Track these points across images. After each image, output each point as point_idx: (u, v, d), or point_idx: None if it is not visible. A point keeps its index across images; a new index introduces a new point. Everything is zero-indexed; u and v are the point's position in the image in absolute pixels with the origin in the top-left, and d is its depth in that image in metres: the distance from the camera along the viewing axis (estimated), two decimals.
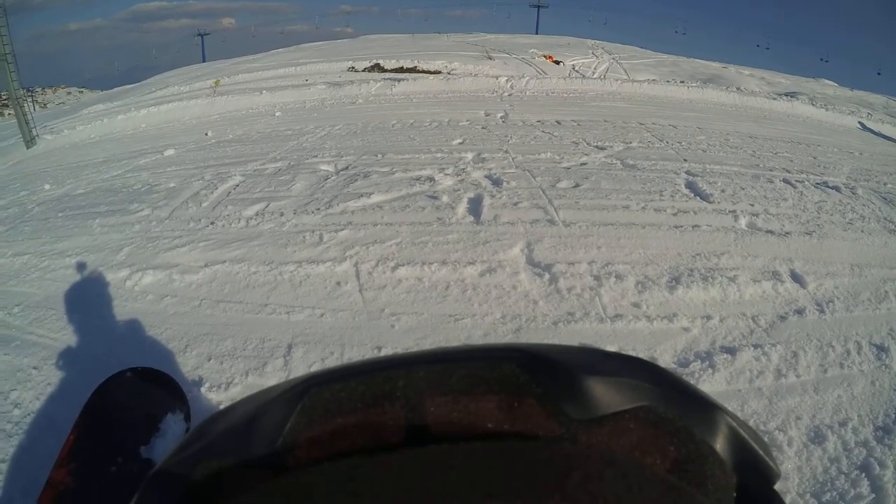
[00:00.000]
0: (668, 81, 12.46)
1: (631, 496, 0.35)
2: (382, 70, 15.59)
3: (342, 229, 3.41)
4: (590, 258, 2.98)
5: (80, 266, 4.05)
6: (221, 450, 0.43)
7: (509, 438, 0.39)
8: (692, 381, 0.48)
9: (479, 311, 2.63)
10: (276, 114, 7.39)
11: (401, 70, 15.35)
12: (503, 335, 2.43)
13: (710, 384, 2.12)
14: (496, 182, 4.09)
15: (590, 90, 11.09)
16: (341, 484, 0.37)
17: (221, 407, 0.55)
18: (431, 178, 4.14)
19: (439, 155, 4.96)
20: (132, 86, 16.36)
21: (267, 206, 3.90)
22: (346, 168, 4.68)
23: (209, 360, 2.61)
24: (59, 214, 5.66)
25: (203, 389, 2.44)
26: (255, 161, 5.17)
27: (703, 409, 0.43)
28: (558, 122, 7.05)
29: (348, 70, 15.20)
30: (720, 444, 0.41)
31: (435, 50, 18.21)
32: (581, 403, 0.40)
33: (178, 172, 5.62)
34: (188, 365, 2.62)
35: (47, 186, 7.28)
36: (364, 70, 15.62)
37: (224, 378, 2.47)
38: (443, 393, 0.42)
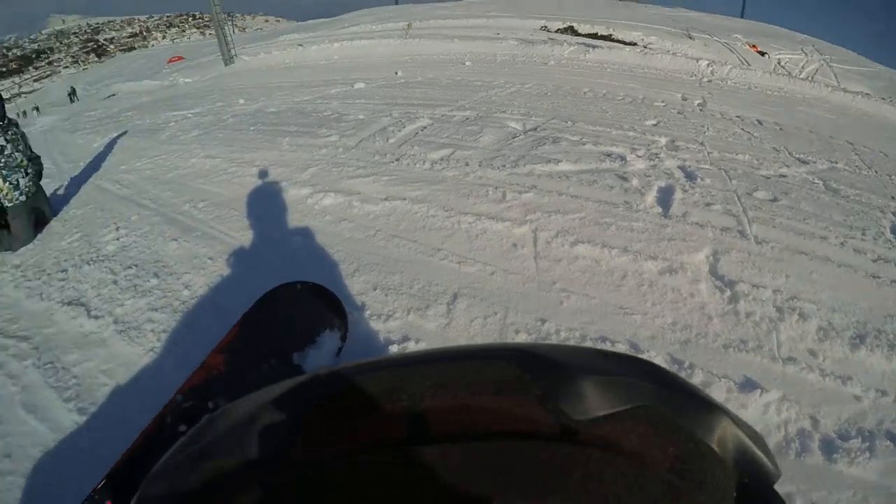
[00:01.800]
0: (883, 99, 10.93)
1: (631, 495, 0.35)
2: (576, 33, 15.03)
3: (526, 192, 3.29)
4: (776, 286, 2.65)
5: (266, 177, 4.28)
6: (222, 449, 0.44)
7: (510, 438, 0.39)
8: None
9: (650, 311, 2.43)
10: (466, 63, 7.36)
11: (595, 36, 14.70)
12: (670, 343, 2.22)
13: (862, 467, 1.78)
14: (690, 176, 3.78)
15: (796, 91, 10.02)
16: (342, 483, 0.37)
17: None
18: (623, 158, 3.91)
19: (631, 133, 4.68)
20: (325, 20, 17.16)
21: (452, 154, 3.87)
22: (535, 129, 4.54)
23: (374, 289, 2.65)
24: (251, 128, 6.06)
25: (365, 314, 2.48)
26: (443, 107, 5.17)
27: (703, 408, 0.43)
28: (759, 122, 6.42)
29: (541, 29, 14.85)
30: (720, 444, 0.41)
31: (631, 20, 17.29)
32: (581, 403, 0.40)
33: (367, 106, 5.79)
34: (354, 289, 2.67)
35: (241, 101, 7.83)
36: (557, 31, 15.18)
37: (385, 310, 2.49)
38: (444, 393, 0.42)
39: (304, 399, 0.44)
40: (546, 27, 15.89)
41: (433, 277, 2.65)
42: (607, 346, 2.21)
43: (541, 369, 0.44)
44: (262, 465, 0.41)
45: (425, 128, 4.57)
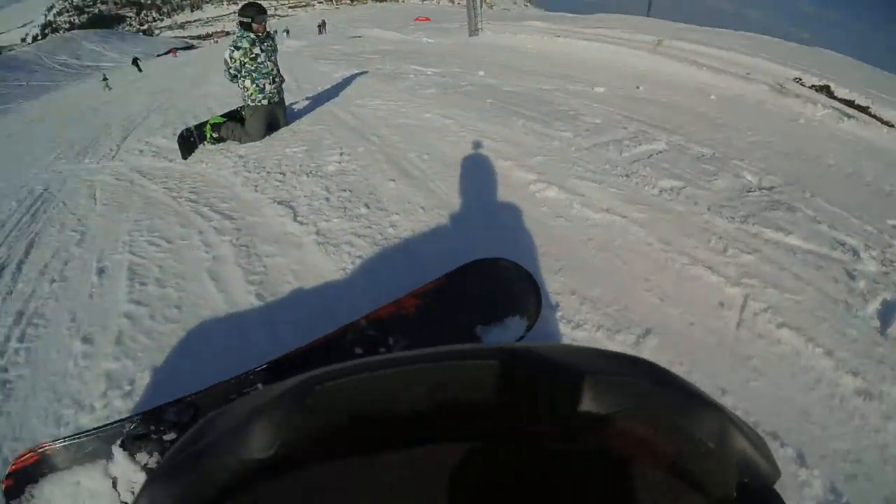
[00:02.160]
0: None
1: (631, 495, 0.36)
2: (831, 95, 13.29)
3: (748, 253, 3.14)
4: None
5: (495, 152, 4.46)
6: (222, 449, 0.44)
7: (510, 438, 0.40)
8: None
9: (831, 429, 2.23)
10: (711, 97, 7.08)
11: (851, 104, 12.76)
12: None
13: None
14: None
15: None
16: (341, 482, 0.37)
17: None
18: (855, 252, 3.55)
19: (869, 228, 4.14)
20: (573, 15, 17.06)
21: (684, 188, 3.80)
22: (771, 189, 4.20)
23: (572, 293, 2.70)
24: (488, 101, 6.33)
25: (556, 315, 2.55)
26: (680, 136, 5.01)
27: (703, 408, 0.43)
28: None
29: (794, 80, 13.51)
30: (720, 444, 0.41)
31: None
32: (581, 403, 0.40)
33: (604, 112, 5.80)
34: (551, 287, 2.73)
35: (481, 73, 8.16)
36: (811, 87, 13.62)
37: (577, 318, 2.54)
38: (442, 393, 0.42)
39: (305, 398, 0.44)
40: (800, 79, 14.40)
41: (632, 304, 2.65)
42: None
43: (541, 369, 0.44)
44: (262, 464, 0.42)
45: (661, 152, 4.50)
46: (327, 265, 3.04)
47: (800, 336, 2.60)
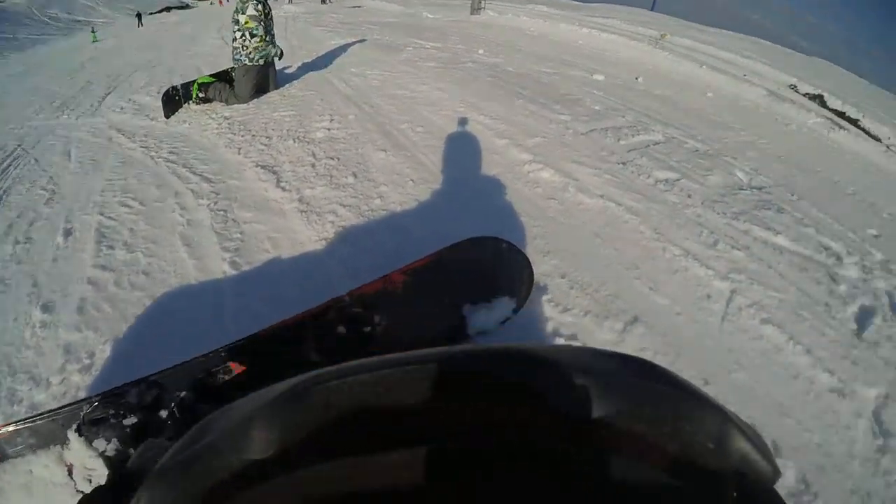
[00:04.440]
0: None
1: (631, 495, 0.36)
2: (824, 105, 13.60)
3: (738, 249, 3.19)
4: None
5: (491, 129, 4.44)
6: (222, 449, 0.43)
7: (509, 438, 0.39)
8: None
9: (805, 423, 2.29)
10: (708, 94, 7.09)
11: (842, 115, 13.14)
12: (810, 463, 2.12)
13: None
14: None
15: None
16: (340, 482, 0.37)
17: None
18: (838, 257, 3.63)
19: (851, 236, 4.28)
20: (579, 3, 16.98)
21: (678, 180, 3.81)
22: (761, 188, 4.25)
23: (562, 277, 2.69)
24: (487, 79, 6.28)
25: (543, 298, 2.53)
26: (676, 129, 5.01)
27: (704, 409, 0.44)
28: None
29: (789, 86, 13.70)
30: (720, 444, 0.41)
31: (887, 112, 15.62)
32: (581, 403, 0.40)
33: (602, 99, 5.78)
34: (539, 269, 2.68)
35: (481, 51, 8.12)
36: (805, 94, 13.83)
37: (565, 302, 2.53)
38: (442, 393, 0.41)
39: (304, 398, 0.44)
40: (795, 87, 14.58)
41: (621, 291, 2.66)
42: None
43: (541, 369, 0.44)
44: (262, 464, 0.42)
45: (657, 143, 4.50)
46: (308, 235, 2.98)
47: (782, 333, 2.65)
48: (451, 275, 2.27)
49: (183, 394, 1.69)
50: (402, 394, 0.43)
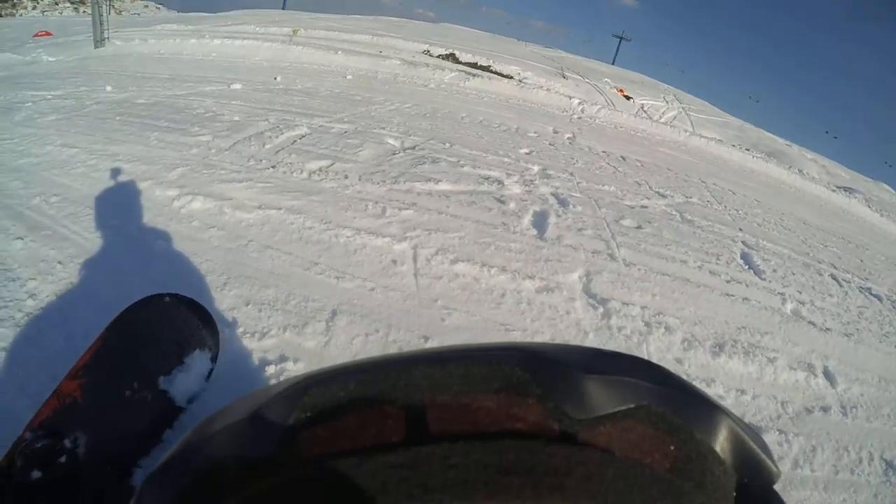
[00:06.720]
0: (733, 146, 12.18)
1: (631, 496, 0.35)
2: (457, 61, 15.49)
3: (406, 208, 3.30)
4: (643, 303, 2.91)
5: (130, 174, 3.98)
6: (220, 450, 0.42)
7: (509, 438, 0.38)
8: None
9: (530, 327, 2.53)
10: (348, 77, 7.33)
11: (475, 66, 15.22)
12: None
13: None
14: (562, 203, 4.00)
15: (657, 134, 10.89)
16: (340, 483, 0.36)
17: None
18: (500, 182, 4.04)
19: (507, 160, 4.86)
20: (209, 14, 16.54)
21: (331, 165, 3.81)
22: (414, 148, 4.58)
23: (247, 304, 2.50)
24: (117, 118, 5.63)
25: (237, 332, 2.32)
26: (322, 117, 5.09)
27: (703, 408, 0.43)
28: (623, 159, 6.91)
29: (423, 52, 15.12)
30: (720, 444, 0.41)
31: (510, 54, 18.04)
32: (580, 403, 0.39)
33: (243, 108, 5.57)
34: (224, 304, 2.51)
35: (109, 88, 7.28)
36: (439, 57, 15.53)
37: (260, 327, 2.35)
38: (442, 392, 0.41)
39: (304, 398, 0.41)
40: (428, 51, 16.25)
41: (310, 292, 2.56)
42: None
43: (540, 368, 0.42)
44: (261, 465, 0.39)
45: (304, 136, 4.47)
46: None
47: (474, 265, 2.83)
48: (131, 352, 1.95)
49: None
50: (401, 393, 0.40)
